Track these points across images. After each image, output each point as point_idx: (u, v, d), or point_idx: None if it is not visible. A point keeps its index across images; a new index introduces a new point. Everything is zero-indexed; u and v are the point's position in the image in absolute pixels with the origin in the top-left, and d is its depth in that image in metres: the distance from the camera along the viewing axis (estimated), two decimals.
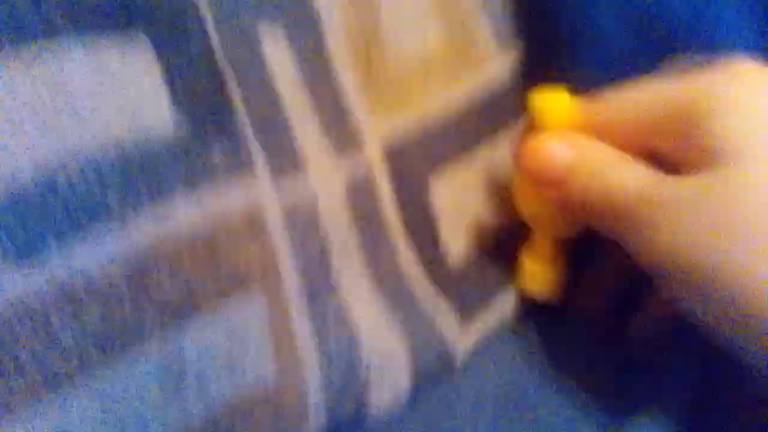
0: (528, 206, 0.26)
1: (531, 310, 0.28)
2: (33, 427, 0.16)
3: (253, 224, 0.21)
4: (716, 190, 0.21)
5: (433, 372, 0.25)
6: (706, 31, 0.25)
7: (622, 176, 0.23)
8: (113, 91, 0.19)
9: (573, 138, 0.24)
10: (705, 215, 0.21)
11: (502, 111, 0.29)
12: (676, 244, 0.21)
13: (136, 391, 0.18)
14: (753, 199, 0.20)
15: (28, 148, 0.17)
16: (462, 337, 0.26)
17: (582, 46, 0.28)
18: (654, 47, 0.27)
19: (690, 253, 0.21)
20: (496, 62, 0.29)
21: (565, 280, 0.27)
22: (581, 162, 0.24)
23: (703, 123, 0.21)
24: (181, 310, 0.19)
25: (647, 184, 0.22)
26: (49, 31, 0.18)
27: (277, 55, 0.23)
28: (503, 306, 0.27)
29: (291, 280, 0.22)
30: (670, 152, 0.23)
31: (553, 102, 0.25)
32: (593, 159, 0.24)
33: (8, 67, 0.17)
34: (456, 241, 0.27)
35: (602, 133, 0.25)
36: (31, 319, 0.17)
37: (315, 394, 0.21)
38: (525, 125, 0.28)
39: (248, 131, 0.22)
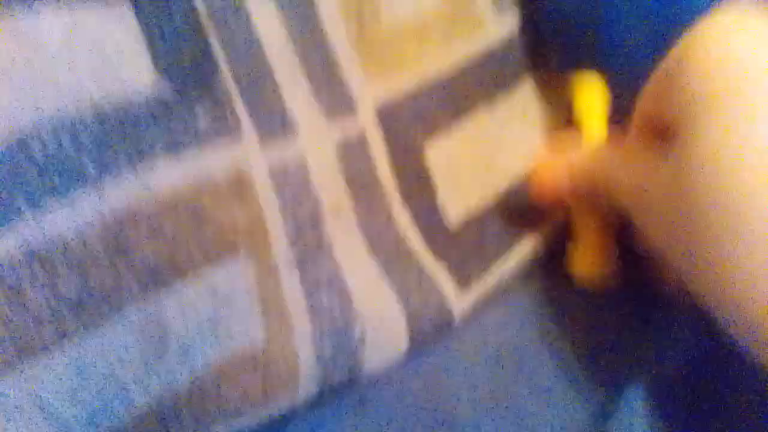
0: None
1: (530, 272, 0.28)
2: (5, 398, 0.16)
3: (240, 187, 0.21)
4: (671, 173, 0.19)
5: (431, 332, 0.24)
6: None
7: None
8: (90, 53, 0.18)
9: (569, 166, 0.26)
10: (667, 203, 0.20)
11: (498, 75, 0.28)
12: (659, 238, 0.21)
13: (115, 357, 0.18)
14: (702, 180, 0.18)
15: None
16: (460, 297, 0.25)
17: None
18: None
19: (669, 245, 0.21)
20: (492, 27, 0.28)
21: (616, 265, 0.27)
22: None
23: (675, 82, 0.20)
24: (163, 275, 0.19)
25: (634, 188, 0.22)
26: None
27: (265, 15, 0.22)
28: (502, 268, 0.27)
29: (280, 243, 0.21)
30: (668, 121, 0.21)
31: (592, 90, 0.28)
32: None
33: None
34: (453, 204, 0.26)
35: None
36: (3, 286, 0.16)
37: (306, 357, 0.21)
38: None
39: (234, 94, 0.21)
